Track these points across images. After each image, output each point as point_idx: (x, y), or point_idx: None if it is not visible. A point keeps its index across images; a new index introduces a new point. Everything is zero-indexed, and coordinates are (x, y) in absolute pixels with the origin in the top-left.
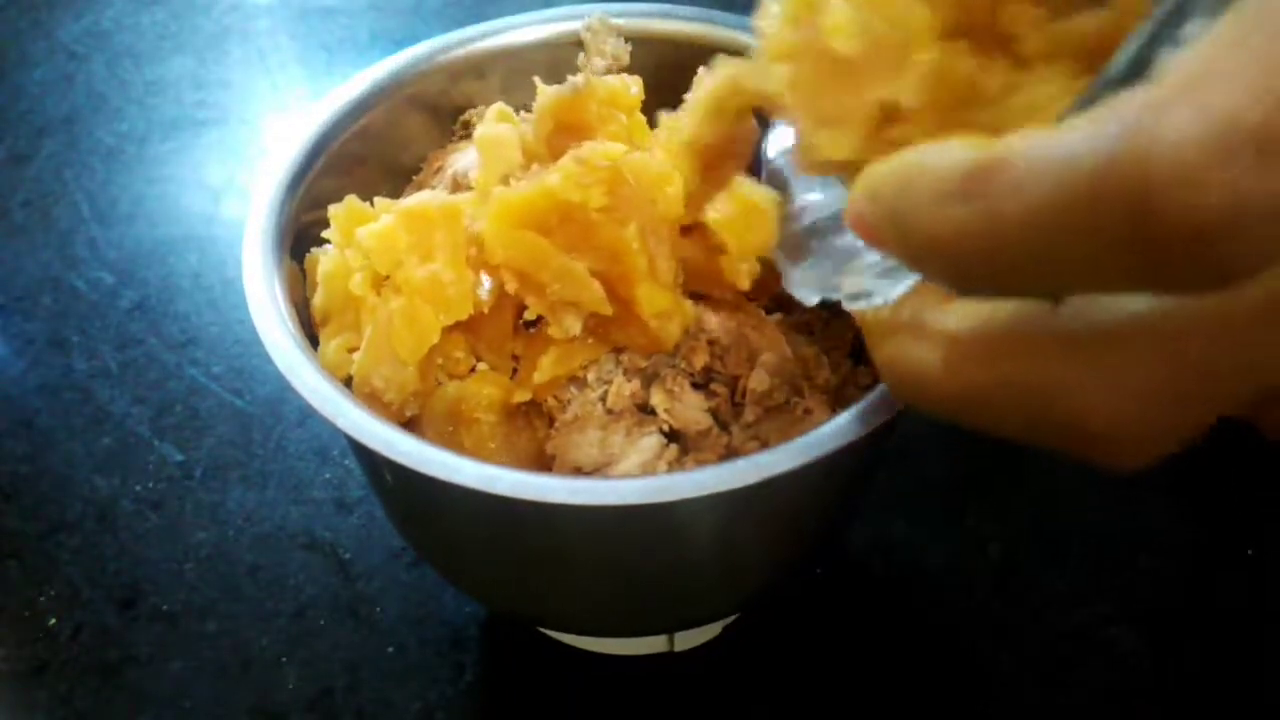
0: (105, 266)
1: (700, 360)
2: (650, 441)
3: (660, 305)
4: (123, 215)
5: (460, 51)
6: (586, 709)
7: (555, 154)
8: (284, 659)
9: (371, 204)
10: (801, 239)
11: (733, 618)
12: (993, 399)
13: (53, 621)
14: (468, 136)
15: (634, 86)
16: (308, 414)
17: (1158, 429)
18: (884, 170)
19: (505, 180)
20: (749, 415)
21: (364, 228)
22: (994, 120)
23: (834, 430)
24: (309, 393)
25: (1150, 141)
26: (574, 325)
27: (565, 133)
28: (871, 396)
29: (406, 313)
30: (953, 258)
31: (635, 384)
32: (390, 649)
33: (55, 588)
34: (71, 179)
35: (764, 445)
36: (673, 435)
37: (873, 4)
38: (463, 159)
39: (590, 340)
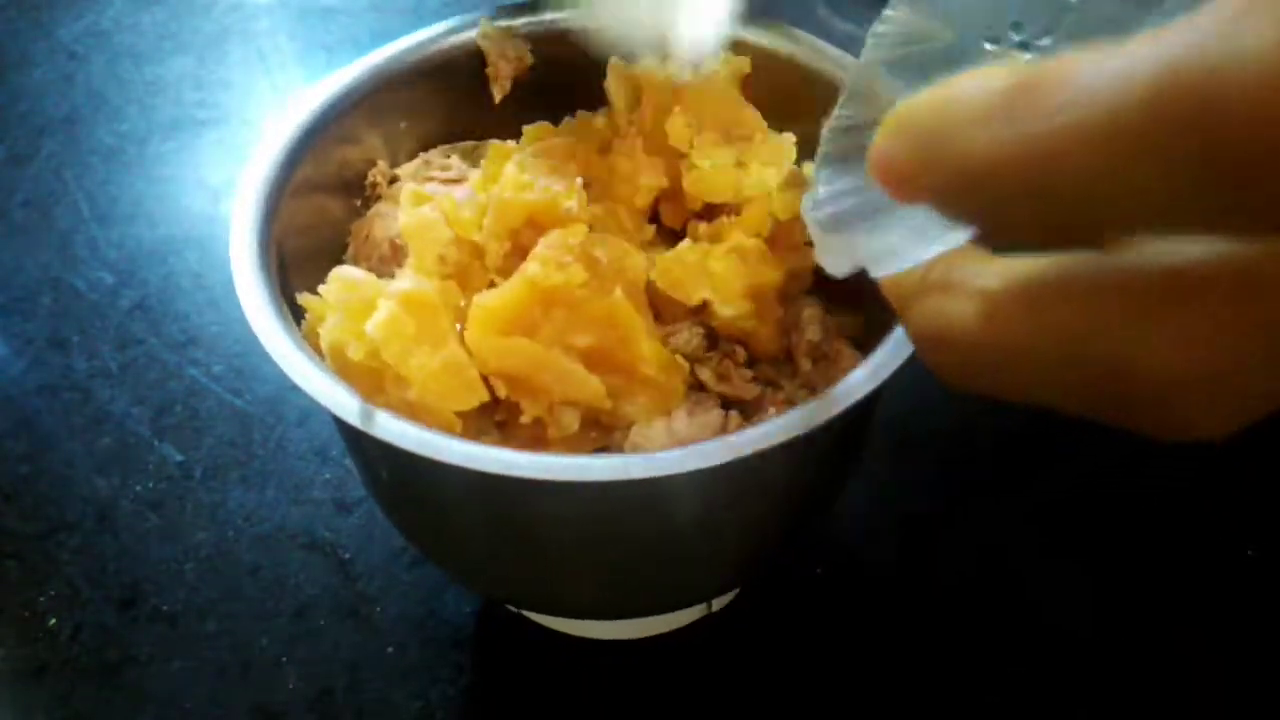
0: (105, 266)
1: (741, 356)
2: (713, 417)
3: (664, 358)
4: (123, 215)
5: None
6: (587, 708)
7: (515, 243)
8: (284, 659)
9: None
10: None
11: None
12: (1032, 349)
13: (53, 621)
14: (379, 198)
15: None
16: (308, 414)
17: (1233, 391)
18: (918, 100)
19: (440, 260)
20: (805, 365)
21: (370, 322)
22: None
23: (860, 379)
24: (296, 374)
25: (1223, 48)
26: (572, 423)
27: (531, 228)
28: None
29: (423, 407)
30: (991, 190)
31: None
32: (390, 649)
33: (55, 588)
34: (71, 179)
35: (814, 393)
36: (729, 404)
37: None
38: (391, 225)
39: (592, 434)
